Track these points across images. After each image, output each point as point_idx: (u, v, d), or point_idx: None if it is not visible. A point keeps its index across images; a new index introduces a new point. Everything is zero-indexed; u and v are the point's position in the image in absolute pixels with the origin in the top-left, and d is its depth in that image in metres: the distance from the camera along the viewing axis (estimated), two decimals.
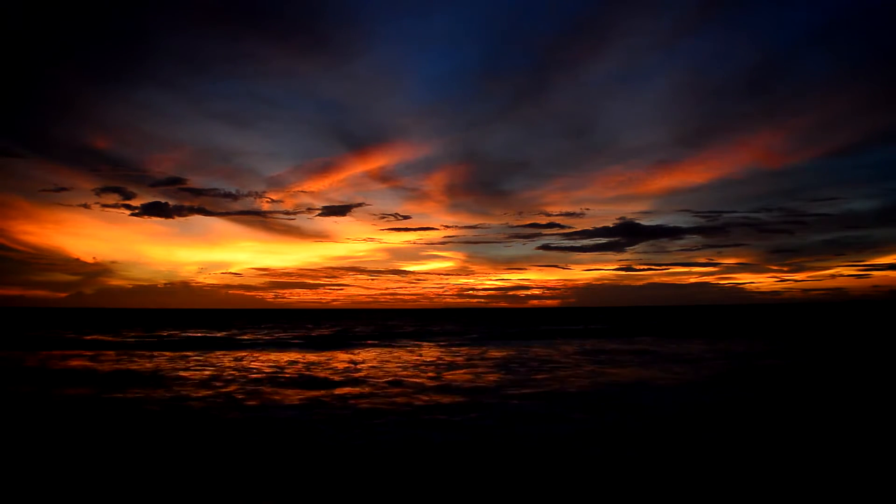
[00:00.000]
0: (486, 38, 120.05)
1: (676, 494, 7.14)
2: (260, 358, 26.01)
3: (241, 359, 25.37)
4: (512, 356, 26.08)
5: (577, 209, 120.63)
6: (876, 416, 11.66)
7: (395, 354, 28.00)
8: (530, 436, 10.07)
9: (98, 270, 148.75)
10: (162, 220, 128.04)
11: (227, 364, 22.93)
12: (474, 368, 21.17)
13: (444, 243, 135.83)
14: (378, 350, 31.03)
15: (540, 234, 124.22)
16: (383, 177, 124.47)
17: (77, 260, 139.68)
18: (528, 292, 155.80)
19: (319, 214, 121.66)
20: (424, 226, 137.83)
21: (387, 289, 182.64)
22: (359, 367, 22.11)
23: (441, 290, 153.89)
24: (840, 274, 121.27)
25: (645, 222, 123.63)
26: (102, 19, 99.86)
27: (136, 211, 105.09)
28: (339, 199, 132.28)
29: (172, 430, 10.74)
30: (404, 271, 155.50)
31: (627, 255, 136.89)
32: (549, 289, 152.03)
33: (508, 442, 9.62)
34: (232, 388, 16.13)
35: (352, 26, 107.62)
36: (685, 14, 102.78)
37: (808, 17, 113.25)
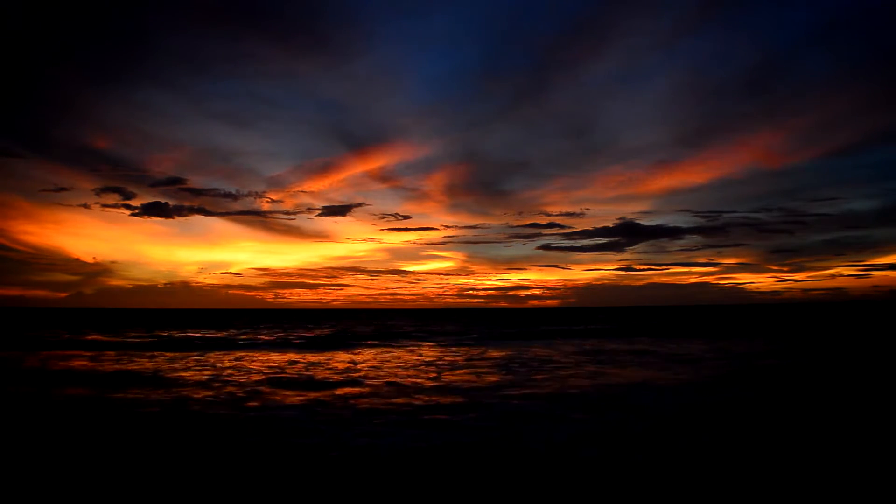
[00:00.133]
0: (486, 38, 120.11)
1: (678, 496, 7.13)
2: (260, 358, 26.01)
3: (242, 359, 25.36)
4: (512, 356, 26.08)
5: (577, 209, 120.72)
6: (876, 416, 11.66)
7: (395, 354, 28.00)
8: (531, 436, 10.06)
9: (98, 270, 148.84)
10: (162, 220, 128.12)
11: (228, 364, 22.92)
12: (474, 368, 21.17)
13: (444, 243, 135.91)
14: (378, 350, 31.03)
15: (540, 234, 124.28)
16: (383, 177, 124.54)
17: (77, 260, 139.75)
18: (528, 292, 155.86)
19: (319, 214, 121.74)
20: (424, 226, 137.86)
21: (387, 289, 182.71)
22: (359, 367, 22.11)
23: (441, 290, 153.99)
24: (840, 274, 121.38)
25: (645, 222, 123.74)
26: (102, 19, 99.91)
27: (136, 211, 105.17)
28: (339, 199, 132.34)
29: (173, 431, 10.74)
30: (404, 271, 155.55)
31: (627, 255, 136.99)
32: (549, 289, 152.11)
33: (509, 443, 9.62)
34: (232, 388, 16.13)
35: (352, 26, 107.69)
36: (685, 14, 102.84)
37: (808, 17, 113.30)
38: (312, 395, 14.91)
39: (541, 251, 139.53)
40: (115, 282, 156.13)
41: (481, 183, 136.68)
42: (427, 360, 25.01)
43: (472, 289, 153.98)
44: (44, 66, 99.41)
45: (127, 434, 10.55)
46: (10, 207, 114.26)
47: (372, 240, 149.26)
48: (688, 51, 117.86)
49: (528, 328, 55.40)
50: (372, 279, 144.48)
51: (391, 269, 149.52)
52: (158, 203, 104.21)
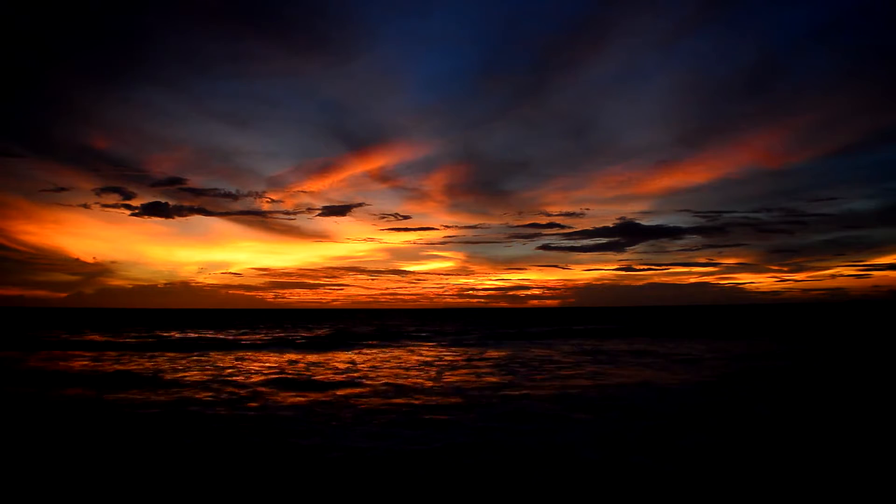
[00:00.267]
0: (485, 38, 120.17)
1: (680, 499, 7.12)
2: (260, 358, 26.00)
3: (242, 359, 25.35)
4: (512, 356, 26.06)
5: (577, 209, 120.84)
6: (875, 416, 11.65)
7: (395, 354, 27.99)
8: (532, 437, 10.05)
9: (98, 270, 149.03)
10: (162, 220, 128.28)
11: (228, 365, 22.92)
12: (474, 369, 21.16)
13: (444, 243, 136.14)
14: (378, 350, 31.02)
15: (540, 234, 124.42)
16: (383, 177, 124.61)
17: (77, 260, 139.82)
18: (528, 292, 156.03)
19: (319, 214, 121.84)
20: (424, 226, 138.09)
21: (387, 289, 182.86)
22: (359, 367, 22.10)
23: (441, 290, 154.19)
24: (840, 274, 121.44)
25: (645, 222, 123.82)
26: (103, 19, 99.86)
27: (136, 211, 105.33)
28: (339, 199, 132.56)
29: (173, 432, 10.72)
30: (404, 271, 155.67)
31: (627, 255, 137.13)
32: (549, 289, 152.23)
33: (510, 444, 9.61)
34: (232, 389, 16.12)
35: (352, 26, 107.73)
36: (685, 14, 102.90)
37: (808, 17, 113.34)
38: (312, 395, 14.90)
39: (541, 251, 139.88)
40: (115, 282, 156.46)
41: (481, 183, 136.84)
42: (427, 360, 25.00)
43: (472, 289, 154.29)
44: (44, 66, 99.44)
45: (126, 435, 10.54)
46: (10, 207, 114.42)
47: (372, 240, 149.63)
48: (688, 51, 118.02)
49: (527, 328, 55.38)
50: (372, 279, 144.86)
51: (391, 269, 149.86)
52: (158, 203, 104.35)
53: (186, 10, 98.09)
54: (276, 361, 24.57)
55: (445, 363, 23.41)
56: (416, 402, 13.79)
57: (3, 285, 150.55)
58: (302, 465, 8.40)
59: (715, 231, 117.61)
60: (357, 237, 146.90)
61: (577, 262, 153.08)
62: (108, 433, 10.66)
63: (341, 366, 22.66)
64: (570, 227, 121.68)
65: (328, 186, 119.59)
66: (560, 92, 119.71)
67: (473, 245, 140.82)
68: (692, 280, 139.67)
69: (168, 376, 19.07)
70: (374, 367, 22.25)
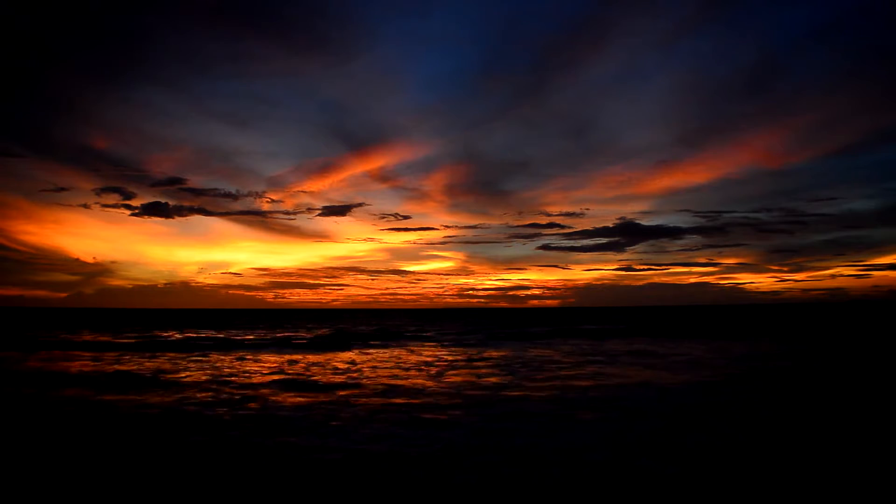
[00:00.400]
0: (485, 38, 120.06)
1: (685, 501, 7.10)
2: (260, 359, 25.97)
3: (241, 360, 25.33)
4: (512, 356, 26.04)
5: (577, 209, 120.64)
6: (875, 416, 11.64)
7: (395, 354, 27.96)
8: (534, 438, 10.02)
9: (98, 270, 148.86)
10: (162, 220, 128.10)
11: (227, 365, 22.89)
12: (475, 369, 21.13)
13: (444, 243, 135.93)
14: (378, 350, 30.99)
15: (540, 234, 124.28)
16: (383, 177, 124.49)
17: (77, 260, 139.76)
18: (528, 292, 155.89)
19: (319, 214, 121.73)
20: (424, 226, 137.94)
21: (387, 289, 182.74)
22: (359, 367, 22.08)
23: (441, 290, 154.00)
24: (840, 274, 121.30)
25: (645, 222, 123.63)
26: (103, 19, 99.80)
27: (136, 211, 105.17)
28: (339, 199, 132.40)
29: (173, 433, 10.70)
30: (404, 271, 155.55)
31: (627, 255, 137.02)
32: (549, 289, 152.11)
33: (512, 444, 9.58)
34: (232, 389, 16.10)
35: (352, 26, 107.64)
36: (685, 14, 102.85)
37: (808, 17, 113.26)
38: (312, 396, 14.88)
39: (541, 251, 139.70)
40: (115, 282, 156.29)
41: (481, 183, 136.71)
42: (427, 360, 24.98)
43: (472, 289, 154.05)
44: (44, 66, 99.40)
45: (125, 436, 10.52)
46: (10, 207, 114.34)
47: (372, 240, 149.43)
48: (688, 51, 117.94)
49: (527, 328, 55.35)
50: (372, 279, 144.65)
51: (391, 269, 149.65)
52: (158, 203, 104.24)
53: (186, 10, 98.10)
54: (276, 362, 24.54)
55: (445, 363, 23.39)
56: (416, 402, 13.77)
57: (3, 285, 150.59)
58: (301, 466, 8.38)
59: (715, 231, 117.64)
60: (357, 237, 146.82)
61: (577, 262, 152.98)
62: (107, 434, 10.64)
63: (341, 366, 22.64)
64: (570, 227, 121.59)
65: (328, 186, 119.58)
66: (560, 92, 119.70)
67: (473, 245, 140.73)
68: (692, 280, 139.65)
69: (168, 377, 19.04)
70: (374, 367, 22.22)
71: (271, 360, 25.53)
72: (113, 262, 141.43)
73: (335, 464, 8.46)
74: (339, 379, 18.43)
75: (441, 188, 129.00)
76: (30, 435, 10.66)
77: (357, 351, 30.70)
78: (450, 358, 25.82)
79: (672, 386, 16.22)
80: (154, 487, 7.57)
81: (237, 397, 14.58)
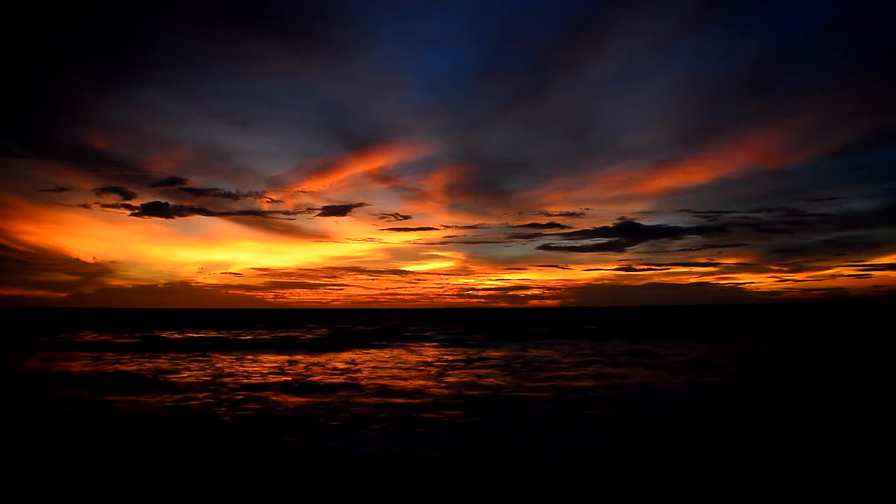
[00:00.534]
0: (486, 38, 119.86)
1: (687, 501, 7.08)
2: (260, 359, 25.95)
3: (241, 360, 25.31)
4: (513, 357, 26.03)
5: (577, 209, 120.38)
6: (876, 416, 11.62)
7: (395, 355, 27.95)
8: (535, 439, 10.00)
9: (98, 270, 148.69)
10: (162, 220, 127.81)
11: (227, 365, 22.88)
12: (475, 369, 21.11)
13: (444, 243, 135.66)
14: (378, 351, 30.98)
15: (540, 234, 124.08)
16: (383, 177, 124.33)
17: (77, 260, 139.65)
18: (528, 292, 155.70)
19: (319, 214, 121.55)
20: (424, 226, 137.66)
21: (387, 289, 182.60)
22: (358, 367, 22.06)
23: (441, 290, 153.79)
24: (840, 274, 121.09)
25: (645, 222, 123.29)
26: (102, 19, 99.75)
27: (136, 211, 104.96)
28: (339, 199, 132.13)
29: (172, 434, 10.68)
30: (404, 271, 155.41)
31: (627, 255, 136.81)
32: (549, 289, 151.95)
33: (513, 445, 9.56)
34: (231, 390, 16.08)
35: (352, 26, 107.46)
36: (685, 14, 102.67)
37: (808, 17, 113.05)
38: (312, 396, 14.86)
39: (541, 251, 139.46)
40: (115, 282, 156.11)
41: (481, 183, 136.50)
42: (427, 360, 24.96)
43: (472, 289, 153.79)
44: (44, 66, 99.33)
45: (125, 437, 10.50)
46: (10, 207, 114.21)
47: (372, 240, 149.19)
48: (688, 51, 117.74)
49: (528, 328, 55.34)
50: (372, 279, 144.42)
51: (391, 269, 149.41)
52: (158, 203, 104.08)
53: (186, 10, 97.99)
54: (275, 362, 24.52)
55: (445, 363, 23.37)
56: (416, 402, 13.75)
57: (3, 285, 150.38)
58: (300, 467, 8.35)
59: (715, 231, 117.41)
60: (357, 237, 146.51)
61: (577, 262, 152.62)
62: (107, 434, 10.62)
63: (341, 366, 22.62)
64: (570, 227, 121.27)
65: (328, 186, 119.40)
66: (560, 92, 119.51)
67: (473, 245, 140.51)
68: (692, 280, 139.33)
69: (168, 377, 19.02)
70: (373, 367, 22.21)
71: (271, 360, 25.51)
72: (113, 262, 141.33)
73: (335, 464, 8.44)
74: (338, 379, 18.41)
75: (441, 188, 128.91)
76: (29, 435, 10.64)
77: (357, 351, 30.68)
78: (450, 358, 25.80)
79: (672, 386, 16.20)
80: (154, 487, 7.56)
81: (237, 398, 14.56)
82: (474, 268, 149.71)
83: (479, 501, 7.01)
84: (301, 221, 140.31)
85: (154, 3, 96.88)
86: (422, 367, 21.92)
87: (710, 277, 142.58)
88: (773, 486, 7.46)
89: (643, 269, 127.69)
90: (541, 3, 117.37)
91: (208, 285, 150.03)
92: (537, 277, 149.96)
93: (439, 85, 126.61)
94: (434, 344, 36.29)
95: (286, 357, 26.93)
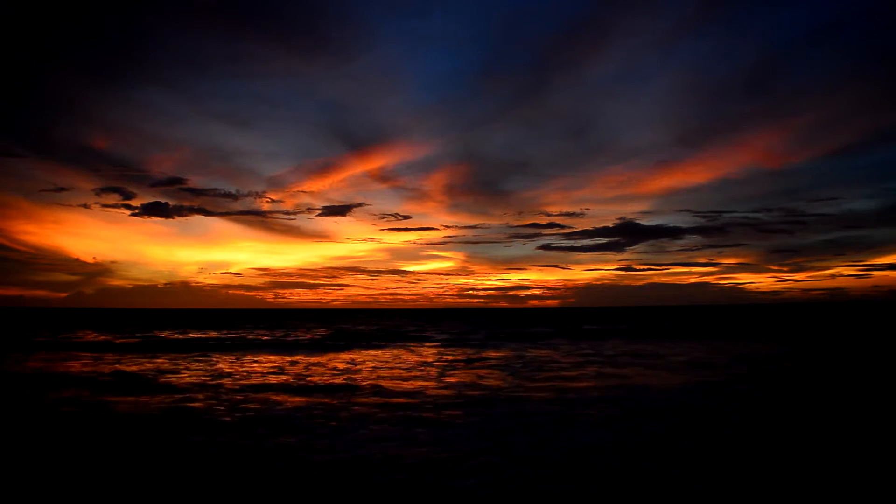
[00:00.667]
0: (486, 38, 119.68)
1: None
2: (260, 359, 25.94)
3: (241, 360, 25.30)
4: (513, 357, 26.02)
5: (577, 209, 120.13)
6: (877, 416, 11.61)
7: (395, 354, 27.94)
8: (536, 440, 9.99)
9: (98, 270, 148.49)
10: (162, 220, 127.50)
11: (227, 366, 22.87)
12: (475, 369, 21.10)
13: (444, 243, 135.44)
14: (378, 351, 30.97)
15: (540, 234, 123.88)
16: (383, 177, 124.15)
17: (77, 260, 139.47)
18: (528, 292, 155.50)
19: (319, 214, 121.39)
20: (424, 226, 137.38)
21: (387, 289, 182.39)
22: (358, 367, 22.05)
23: (441, 290, 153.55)
24: (840, 274, 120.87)
25: (645, 222, 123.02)
26: (103, 19, 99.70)
27: (136, 211, 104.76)
28: (339, 199, 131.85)
29: (172, 434, 10.67)
30: (404, 271, 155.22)
31: (627, 255, 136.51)
32: (549, 289, 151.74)
33: (514, 446, 9.54)
34: (231, 390, 16.07)
35: (352, 26, 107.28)
36: (685, 14, 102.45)
37: (808, 17, 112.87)
38: (311, 397, 14.84)
39: (541, 251, 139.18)
40: (115, 282, 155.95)
41: (481, 183, 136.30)
42: (427, 360, 24.95)
43: (472, 289, 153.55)
44: (44, 66, 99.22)
45: (125, 437, 10.49)
46: (10, 207, 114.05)
47: (372, 240, 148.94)
48: (688, 51, 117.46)
49: (528, 328, 55.33)
50: (372, 279, 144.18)
51: (391, 269, 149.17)
52: (158, 203, 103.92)
53: (186, 10, 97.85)
54: (275, 362, 24.51)
55: (445, 363, 23.36)
56: (416, 402, 13.74)
57: (3, 285, 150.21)
58: (300, 468, 8.34)
59: (715, 231, 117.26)
60: (357, 237, 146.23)
61: (577, 262, 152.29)
62: (106, 435, 10.60)
63: (341, 366, 22.61)
64: (570, 227, 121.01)
65: (328, 186, 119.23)
66: (560, 92, 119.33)
67: (473, 245, 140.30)
68: (692, 280, 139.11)
69: (168, 377, 19.01)
70: (373, 367, 22.19)
71: (271, 360, 25.50)
72: (113, 262, 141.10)
73: (335, 465, 8.42)
74: (338, 379, 18.40)
75: (441, 188, 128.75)
76: (29, 436, 10.63)
77: (357, 351, 30.67)
78: (450, 358, 25.79)
79: (673, 387, 16.19)
80: (154, 488, 7.54)
81: (237, 398, 14.54)
82: (474, 268, 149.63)
83: (480, 503, 6.99)
84: (301, 221, 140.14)
85: (154, 3, 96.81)
86: (422, 367, 21.91)
87: (710, 277, 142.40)
88: (773, 486, 7.45)
89: (643, 269, 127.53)
90: (541, 3, 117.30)
91: (208, 285, 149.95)
92: (537, 277, 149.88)
93: (439, 85, 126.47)
94: (434, 344, 36.28)
95: (286, 357, 26.92)
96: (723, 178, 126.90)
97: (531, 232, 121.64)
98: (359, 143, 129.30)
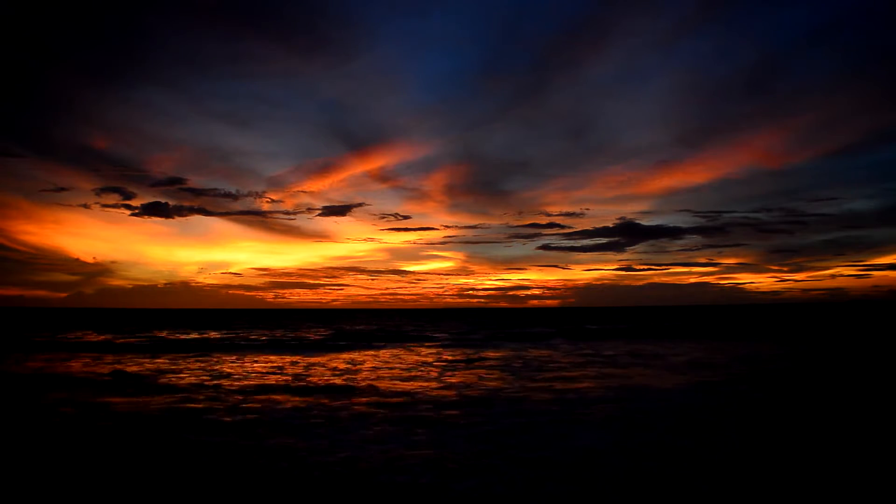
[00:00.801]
0: (486, 38, 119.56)
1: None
2: (260, 359, 25.94)
3: (241, 360, 25.30)
4: (513, 357, 26.01)
5: (577, 209, 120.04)
6: (877, 416, 11.60)
7: (395, 354, 27.93)
8: (537, 440, 9.98)
9: (98, 270, 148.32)
10: (162, 220, 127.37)
11: (227, 366, 22.86)
12: (475, 370, 21.10)
13: (444, 243, 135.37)
14: (378, 351, 30.96)
15: (540, 234, 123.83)
16: (383, 177, 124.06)
17: (77, 260, 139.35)
18: (528, 292, 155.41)
19: (319, 214, 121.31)
20: (424, 226, 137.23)
21: (387, 289, 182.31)
22: (358, 368, 22.03)
23: (441, 290, 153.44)
24: (840, 274, 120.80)
25: (645, 222, 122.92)
26: (102, 19, 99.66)
27: (136, 211, 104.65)
28: (339, 199, 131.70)
29: (171, 435, 10.66)
30: (404, 271, 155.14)
31: (627, 255, 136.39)
32: (549, 289, 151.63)
33: (513, 447, 9.53)
34: (231, 391, 16.06)
35: (352, 26, 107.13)
36: (685, 14, 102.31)
37: (808, 17, 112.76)
38: (311, 397, 14.83)
39: (541, 251, 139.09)
40: (115, 282, 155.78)
41: (481, 183, 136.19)
42: (427, 360, 24.94)
43: (472, 289, 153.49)
44: (44, 66, 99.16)
45: (124, 438, 10.47)
46: (10, 207, 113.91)
47: (372, 240, 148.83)
48: (688, 51, 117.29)
49: (528, 328, 55.33)
50: (372, 279, 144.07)
51: (391, 269, 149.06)
52: (158, 203, 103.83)
53: (186, 11, 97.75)
54: (275, 362, 24.50)
55: (445, 364, 23.35)
56: (416, 403, 13.72)
57: (3, 285, 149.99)
58: (299, 469, 8.33)
59: (715, 231, 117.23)
60: (357, 237, 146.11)
61: (577, 262, 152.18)
62: (105, 435, 10.59)
63: (341, 366, 22.60)
64: (570, 227, 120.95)
65: (328, 186, 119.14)
66: (560, 92, 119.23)
67: (473, 245, 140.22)
68: (692, 280, 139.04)
69: (168, 377, 19.01)
70: (373, 367, 22.19)
71: (271, 360, 25.49)
72: (113, 262, 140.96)
73: (335, 466, 8.42)
74: (338, 380, 18.39)
75: (441, 188, 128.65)
76: (28, 437, 10.62)
77: (357, 351, 30.66)
78: (450, 358, 25.78)
79: (673, 387, 16.18)
80: (153, 489, 7.53)
81: (237, 398, 14.53)
82: (474, 268, 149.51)
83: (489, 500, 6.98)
84: (301, 221, 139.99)
85: (154, 3, 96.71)
86: (422, 368, 21.90)
87: (710, 277, 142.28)
88: (774, 486, 7.44)
89: (643, 269, 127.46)
90: (541, 3, 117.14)
91: (208, 285, 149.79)
92: (537, 277, 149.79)
93: (439, 85, 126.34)
94: (434, 344, 36.27)
95: (286, 358, 26.91)
96: (723, 178, 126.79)
97: (531, 232, 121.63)
98: (359, 143, 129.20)
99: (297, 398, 14.58)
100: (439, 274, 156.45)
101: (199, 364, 23.40)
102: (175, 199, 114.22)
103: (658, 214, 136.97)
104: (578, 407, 12.99)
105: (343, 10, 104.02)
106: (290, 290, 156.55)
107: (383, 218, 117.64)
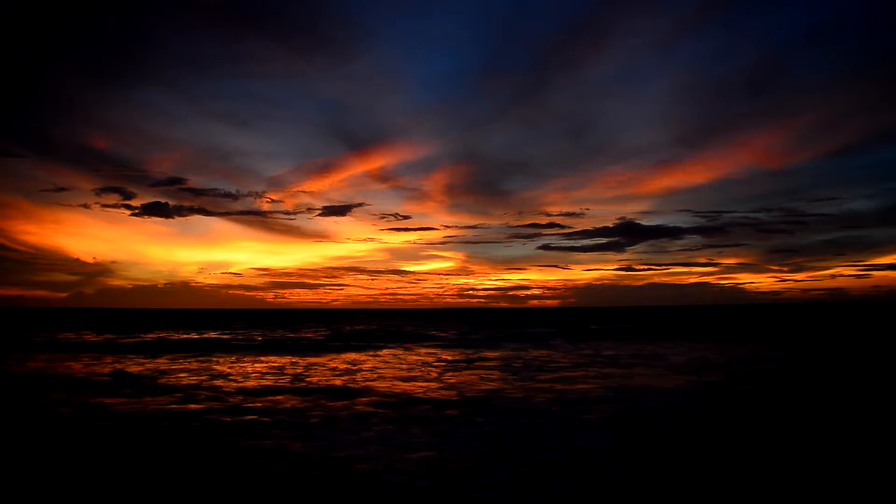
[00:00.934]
0: (486, 38, 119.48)
1: None
2: (260, 359, 25.92)
3: (241, 361, 25.29)
4: (513, 357, 26.00)
5: (577, 209, 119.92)
6: (877, 416, 11.59)
7: (395, 355, 27.91)
8: (537, 441, 9.97)
9: (98, 270, 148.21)
10: (162, 220, 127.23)
11: (227, 366, 22.84)
12: (475, 370, 21.08)
13: (444, 243, 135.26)
14: (378, 351, 30.94)
15: (540, 234, 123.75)
16: (383, 177, 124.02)
17: (77, 260, 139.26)
18: (528, 292, 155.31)
19: (319, 214, 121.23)
20: (424, 226, 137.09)
21: (387, 289, 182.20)
22: (358, 368, 22.02)
23: (441, 290, 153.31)
24: (840, 274, 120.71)
25: (645, 222, 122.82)
26: (102, 19, 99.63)
27: (136, 211, 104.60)
28: (339, 199, 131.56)
29: (171, 435, 10.65)
30: (404, 271, 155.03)
31: (627, 255, 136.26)
32: (549, 289, 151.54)
33: (514, 448, 9.52)
34: (231, 391, 16.05)
35: (352, 26, 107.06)
36: (685, 14, 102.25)
37: (808, 17, 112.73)
38: (311, 397, 14.81)
39: (541, 251, 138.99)
40: (115, 282, 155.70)
41: (481, 183, 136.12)
42: (427, 360, 24.93)
43: (472, 289, 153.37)
44: (44, 66, 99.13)
45: (123, 438, 10.46)
46: (10, 207, 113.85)
47: (372, 240, 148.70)
48: (687, 51, 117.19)
49: (528, 328, 55.31)
50: (372, 279, 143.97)
51: (391, 269, 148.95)
52: (158, 203, 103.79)
53: (186, 11, 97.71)
54: (275, 362, 24.48)
55: (446, 364, 23.34)
56: (417, 403, 13.71)
57: (3, 285, 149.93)
58: (299, 469, 8.32)
59: (715, 231, 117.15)
60: (357, 237, 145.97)
61: (577, 262, 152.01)
62: (104, 436, 10.58)
63: (341, 366, 22.58)
64: (570, 227, 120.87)
65: (328, 186, 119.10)
66: (560, 92, 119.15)
67: (473, 245, 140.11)
68: (692, 280, 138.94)
69: (168, 378, 18.99)
70: (373, 367, 22.17)
71: (271, 360, 25.47)
72: (113, 262, 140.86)
73: (335, 466, 8.40)
74: (338, 380, 18.37)
75: (441, 188, 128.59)
76: (28, 437, 10.61)
77: (357, 352, 30.64)
78: (450, 358, 25.76)
79: (673, 387, 16.16)
80: (153, 489, 7.52)
81: (237, 399, 14.52)
82: (474, 268, 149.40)
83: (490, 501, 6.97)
84: (301, 221, 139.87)
85: (154, 3, 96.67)
86: (422, 368, 21.88)
87: (710, 277, 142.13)
88: (774, 486, 7.43)
89: (643, 269, 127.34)
90: (541, 3, 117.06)
91: (208, 285, 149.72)
92: (537, 277, 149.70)
93: (439, 85, 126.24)
94: (434, 344, 36.25)
95: (286, 358, 26.90)
96: (723, 178, 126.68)
97: (531, 232, 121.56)
98: (359, 143, 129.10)
99: (297, 398, 14.56)
100: (439, 274, 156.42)
101: (198, 364, 23.39)
102: (175, 199, 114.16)
103: (658, 214, 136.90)
104: (579, 407, 12.97)
105: (343, 10, 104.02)
106: (290, 290, 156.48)
107: (383, 218, 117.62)
